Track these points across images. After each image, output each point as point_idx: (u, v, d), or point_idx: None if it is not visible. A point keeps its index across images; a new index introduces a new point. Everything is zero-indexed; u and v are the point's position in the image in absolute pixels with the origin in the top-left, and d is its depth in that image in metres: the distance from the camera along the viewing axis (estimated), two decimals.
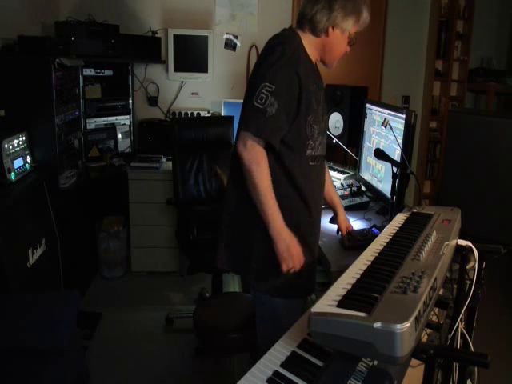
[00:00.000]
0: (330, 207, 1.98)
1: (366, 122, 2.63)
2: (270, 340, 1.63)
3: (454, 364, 1.38)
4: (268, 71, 1.48)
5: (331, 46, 1.60)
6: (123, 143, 3.81)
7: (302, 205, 1.63)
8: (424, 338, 1.21)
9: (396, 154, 2.17)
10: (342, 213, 1.95)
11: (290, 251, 1.50)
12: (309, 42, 1.60)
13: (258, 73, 1.52)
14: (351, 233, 1.96)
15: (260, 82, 1.47)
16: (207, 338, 2.04)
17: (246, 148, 1.47)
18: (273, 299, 1.64)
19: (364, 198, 2.50)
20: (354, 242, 1.92)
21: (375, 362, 1.00)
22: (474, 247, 1.39)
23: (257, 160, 1.47)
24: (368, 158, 2.60)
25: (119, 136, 3.78)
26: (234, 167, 1.63)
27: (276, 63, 1.48)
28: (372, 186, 2.52)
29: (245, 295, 2.21)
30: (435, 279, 1.07)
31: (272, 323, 1.65)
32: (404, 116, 2.12)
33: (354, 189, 2.56)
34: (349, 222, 1.99)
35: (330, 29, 1.57)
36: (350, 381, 0.95)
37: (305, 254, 1.58)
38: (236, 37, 4.02)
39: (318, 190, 1.71)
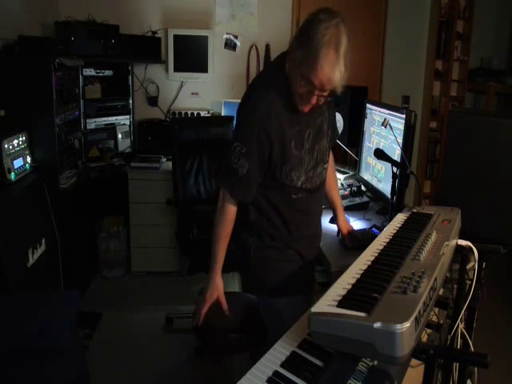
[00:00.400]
0: (331, 208, 1.99)
1: (366, 121, 2.63)
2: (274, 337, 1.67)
3: (454, 364, 1.38)
4: (239, 131, 1.58)
5: (290, 79, 1.51)
6: (123, 143, 3.81)
7: (287, 227, 1.69)
8: (424, 338, 1.21)
9: (396, 154, 2.17)
10: (341, 215, 1.98)
11: (206, 296, 1.69)
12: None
13: (235, 127, 1.65)
14: (352, 233, 1.96)
15: (234, 140, 1.57)
16: (206, 338, 2.02)
17: (220, 198, 1.63)
18: (275, 300, 1.70)
19: (364, 198, 2.50)
20: (356, 242, 1.93)
21: (375, 362, 1.00)
22: (474, 247, 1.39)
23: (224, 213, 1.62)
24: (368, 158, 2.60)
25: (119, 136, 3.78)
26: None
27: (247, 123, 1.55)
28: (372, 185, 2.52)
29: (245, 295, 2.20)
30: (435, 279, 1.07)
31: (276, 323, 1.69)
32: (404, 116, 2.12)
33: (354, 189, 2.56)
34: (349, 224, 2.01)
35: (287, 65, 1.51)
36: (350, 381, 0.95)
37: (291, 256, 1.71)
38: (236, 37, 4.02)
39: (309, 219, 1.75)
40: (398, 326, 0.86)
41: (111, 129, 3.73)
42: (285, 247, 1.71)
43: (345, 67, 1.39)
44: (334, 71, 1.38)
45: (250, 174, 1.55)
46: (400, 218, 1.56)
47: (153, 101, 3.98)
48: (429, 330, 1.33)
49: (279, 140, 1.54)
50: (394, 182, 1.97)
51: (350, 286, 1.07)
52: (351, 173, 2.88)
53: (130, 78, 3.85)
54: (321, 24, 1.38)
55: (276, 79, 1.55)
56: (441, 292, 1.28)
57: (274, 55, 3.91)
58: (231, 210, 1.63)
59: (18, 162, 2.54)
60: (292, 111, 1.55)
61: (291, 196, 1.65)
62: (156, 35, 3.81)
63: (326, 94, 1.47)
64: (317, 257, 1.89)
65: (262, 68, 4.02)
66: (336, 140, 1.92)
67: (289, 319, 1.64)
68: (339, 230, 1.98)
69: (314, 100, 1.48)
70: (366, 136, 2.64)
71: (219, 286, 1.70)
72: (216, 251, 1.66)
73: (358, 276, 1.12)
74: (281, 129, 1.54)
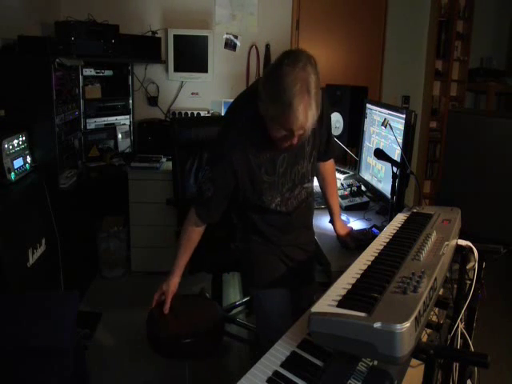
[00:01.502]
0: (329, 213, 2.04)
1: (366, 122, 2.63)
2: (264, 331, 1.76)
3: (454, 364, 1.38)
4: (210, 155, 1.69)
5: (265, 122, 1.48)
6: (123, 143, 3.81)
7: (267, 240, 1.79)
8: (424, 338, 1.21)
9: (396, 154, 2.17)
10: (338, 221, 2.01)
11: (158, 289, 1.82)
12: None
13: (208, 150, 1.75)
14: (351, 235, 1.97)
15: (206, 162, 1.70)
16: (160, 341, 1.98)
17: (191, 213, 1.73)
18: (259, 292, 1.79)
19: (364, 198, 2.50)
20: (357, 242, 1.93)
21: (375, 362, 1.00)
22: (474, 247, 1.39)
23: (188, 227, 1.75)
24: (368, 158, 2.60)
25: (119, 136, 3.78)
26: None
27: (215, 150, 1.62)
28: (372, 185, 2.52)
29: (213, 302, 2.18)
30: (435, 279, 1.07)
31: (259, 314, 1.83)
32: (404, 116, 2.12)
33: (354, 189, 2.56)
34: (346, 227, 2.02)
35: (260, 108, 1.45)
36: (350, 381, 0.95)
37: (274, 250, 1.79)
38: (236, 37, 4.02)
39: (287, 232, 1.80)
40: (398, 326, 0.86)
41: (111, 129, 3.73)
42: (268, 242, 1.79)
43: (316, 107, 1.38)
44: (308, 117, 1.37)
45: (213, 198, 1.64)
46: (400, 218, 1.56)
47: (153, 101, 3.98)
48: (429, 330, 1.33)
49: (246, 168, 1.59)
50: (393, 182, 1.97)
51: (350, 286, 1.07)
52: (351, 173, 2.88)
53: (130, 78, 3.85)
54: (288, 75, 1.34)
55: (251, 106, 1.50)
56: (441, 292, 1.28)
57: (274, 55, 3.91)
58: (194, 229, 1.74)
59: (18, 162, 2.53)
60: (265, 138, 1.52)
61: (268, 215, 1.72)
62: (156, 35, 3.81)
63: (305, 134, 1.45)
64: (309, 259, 1.92)
65: (262, 68, 4.02)
66: (333, 154, 1.93)
67: (271, 312, 1.72)
68: (337, 236, 2.01)
69: (294, 141, 1.46)
70: (366, 136, 2.64)
71: (171, 285, 1.80)
72: (177, 258, 1.79)
73: (358, 276, 1.12)
74: (247, 158, 1.57)
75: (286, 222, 1.77)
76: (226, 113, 1.73)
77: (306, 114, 1.36)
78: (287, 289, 1.78)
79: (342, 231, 1.99)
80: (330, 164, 1.95)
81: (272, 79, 1.38)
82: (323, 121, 1.67)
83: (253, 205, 1.71)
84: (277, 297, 1.75)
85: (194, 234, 1.75)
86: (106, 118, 3.68)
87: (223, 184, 1.62)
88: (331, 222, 2.03)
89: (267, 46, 4.00)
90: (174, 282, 1.80)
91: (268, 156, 1.60)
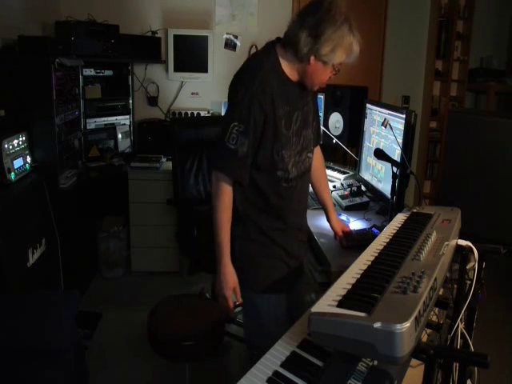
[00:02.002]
0: (323, 209, 2.00)
1: (366, 122, 2.63)
2: (254, 336, 1.68)
3: (454, 364, 1.38)
4: (235, 111, 1.57)
5: (312, 74, 1.57)
6: (123, 143, 3.81)
7: (274, 215, 1.68)
8: (424, 338, 1.21)
9: (396, 154, 2.17)
10: (333, 215, 1.97)
11: (223, 291, 1.63)
12: (289, 62, 1.58)
13: (228, 108, 1.63)
14: (348, 233, 1.96)
15: (230, 120, 1.56)
16: (160, 343, 1.97)
17: (213, 183, 1.61)
18: (254, 296, 1.70)
19: (364, 198, 2.50)
20: (352, 242, 1.92)
21: (375, 362, 1.00)
22: (474, 247, 1.39)
23: (223, 197, 1.59)
24: (368, 158, 2.60)
25: (119, 136, 3.78)
26: None
27: (241, 102, 1.54)
28: (372, 186, 2.52)
29: (214, 303, 2.15)
30: (435, 279, 1.07)
31: (254, 320, 1.74)
32: (404, 116, 2.12)
33: (354, 189, 2.56)
34: (343, 223, 2.00)
35: (312, 58, 1.52)
36: (350, 381, 0.95)
37: (276, 252, 1.70)
38: (236, 37, 4.02)
39: (295, 207, 1.74)
40: (398, 326, 0.86)
41: (111, 129, 3.73)
42: (270, 243, 1.69)
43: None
44: (359, 43, 1.54)
45: (249, 152, 1.55)
46: (400, 218, 1.56)
47: (153, 101, 3.98)
48: (429, 330, 1.33)
49: (272, 116, 1.56)
50: (394, 182, 1.97)
51: (350, 286, 1.07)
52: (351, 173, 2.88)
53: (130, 78, 3.85)
54: (336, 14, 1.48)
55: (268, 58, 1.57)
56: (441, 292, 1.28)
57: None
58: (229, 193, 1.60)
59: (18, 162, 2.54)
60: (283, 91, 1.58)
61: (281, 184, 1.65)
62: (156, 35, 3.81)
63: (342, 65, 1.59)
64: (305, 253, 1.89)
65: None
66: (320, 139, 1.92)
67: (266, 317, 1.67)
68: (334, 232, 1.98)
69: (332, 76, 1.62)
70: (366, 136, 2.64)
71: (233, 276, 1.64)
72: (221, 238, 1.61)
73: (358, 276, 1.12)
74: (273, 105, 1.55)
75: (297, 194, 1.71)
76: (242, 70, 1.63)
77: (358, 44, 1.53)
78: (286, 293, 1.75)
79: (338, 227, 1.96)
80: (318, 151, 1.93)
81: (319, 19, 1.48)
82: (315, 101, 1.78)
83: (270, 169, 1.62)
84: (274, 302, 1.70)
85: (230, 201, 1.61)
86: (106, 118, 3.68)
87: (254, 135, 1.55)
88: (327, 219, 2.00)
89: None
90: (232, 271, 1.64)
91: (286, 109, 1.60)
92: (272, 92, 1.55)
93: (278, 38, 1.62)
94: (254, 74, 1.55)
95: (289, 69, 1.59)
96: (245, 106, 1.53)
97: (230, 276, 1.63)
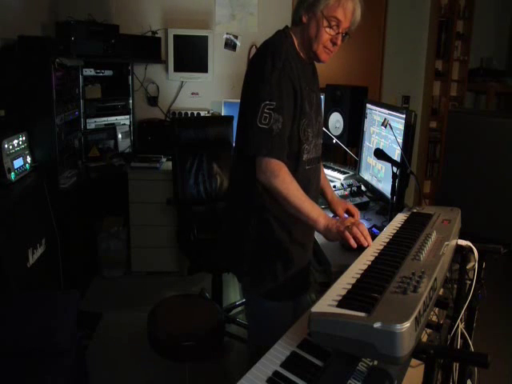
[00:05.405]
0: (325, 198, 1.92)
1: (366, 122, 2.63)
2: (260, 340, 1.65)
3: (454, 364, 1.38)
4: (264, 89, 1.49)
5: (309, 31, 1.57)
6: (123, 143, 3.81)
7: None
8: (424, 338, 1.21)
9: (396, 154, 2.17)
10: (333, 197, 1.89)
11: (344, 225, 1.46)
12: (299, 42, 1.61)
13: (253, 90, 1.53)
14: (349, 212, 1.87)
15: (259, 101, 1.48)
16: (160, 343, 1.96)
17: (262, 171, 1.49)
18: (265, 302, 1.64)
19: (364, 198, 2.50)
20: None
21: (375, 362, 1.00)
22: (474, 247, 1.39)
23: (274, 174, 1.48)
24: (368, 158, 2.60)
25: (119, 136, 3.78)
26: (234, 169, 1.70)
27: (270, 79, 1.49)
28: (372, 185, 2.52)
29: (213, 303, 2.15)
30: (435, 279, 1.07)
31: (263, 324, 1.68)
32: (404, 116, 2.12)
33: (354, 189, 2.56)
34: (344, 202, 1.90)
35: (304, 14, 1.56)
36: (350, 381, 0.95)
37: (299, 254, 1.66)
38: (236, 37, 4.02)
39: (314, 193, 1.70)
40: (398, 326, 0.86)
41: (111, 129, 3.73)
42: (287, 237, 1.61)
43: (361, 7, 1.56)
44: (357, 3, 1.54)
45: (284, 127, 1.50)
46: (400, 218, 1.56)
47: (153, 101, 3.98)
48: (429, 330, 1.33)
49: (300, 92, 1.56)
50: (394, 182, 1.96)
51: (350, 286, 1.07)
52: (351, 173, 2.88)
53: (130, 78, 3.85)
54: None
55: (286, 38, 1.60)
56: (441, 292, 1.28)
57: None
58: (282, 167, 1.49)
59: (18, 162, 2.54)
60: (302, 70, 1.60)
61: (305, 168, 1.62)
62: (156, 35, 3.81)
63: (346, 30, 1.58)
64: (311, 254, 1.85)
65: None
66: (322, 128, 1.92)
67: (274, 323, 1.60)
68: (336, 214, 1.87)
69: (338, 41, 1.58)
70: (366, 136, 2.64)
71: (330, 219, 1.49)
72: (309, 211, 1.47)
73: (358, 276, 1.12)
74: (299, 82, 1.57)
75: (316, 174, 1.69)
76: (262, 51, 1.58)
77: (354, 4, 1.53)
78: (295, 299, 1.72)
79: (338, 207, 1.86)
80: None
81: None
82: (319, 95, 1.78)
83: (294, 153, 1.57)
84: (285, 307, 1.65)
85: (294, 180, 1.51)
86: (106, 118, 3.68)
87: (289, 108, 1.51)
88: (332, 211, 1.91)
89: None
90: (331, 219, 1.49)
91: (307, 89, 1.61)
92: (297, 69, 1.57)
93: (287, 27, 1.65)
94: (278, 53, 1.54)
95: (300, 47, 1.61)
96: (274, 83, 1.49)
97: (329, 219, 1.48)
